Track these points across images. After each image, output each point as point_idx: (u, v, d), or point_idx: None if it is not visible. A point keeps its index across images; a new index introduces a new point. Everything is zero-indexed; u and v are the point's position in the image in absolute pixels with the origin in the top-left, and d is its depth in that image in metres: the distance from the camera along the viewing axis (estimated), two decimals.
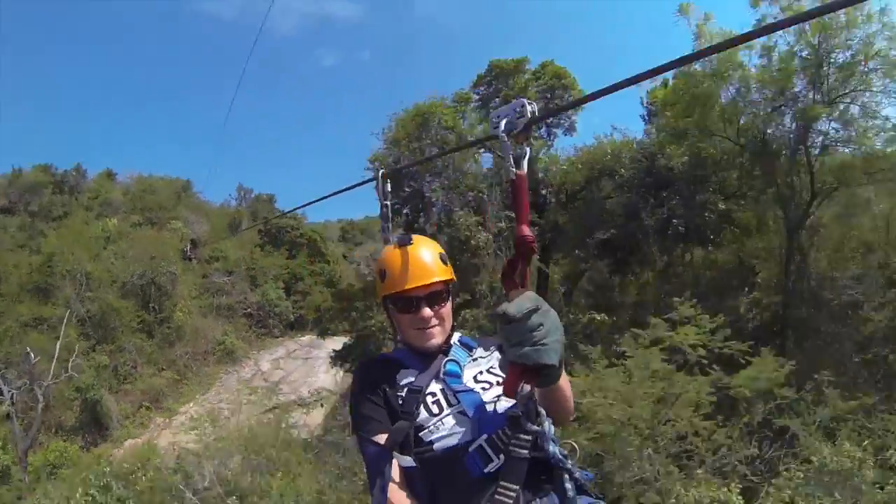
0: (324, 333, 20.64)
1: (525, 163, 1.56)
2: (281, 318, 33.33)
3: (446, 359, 1.89)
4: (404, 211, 18.82)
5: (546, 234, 18.07)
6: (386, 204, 2.49)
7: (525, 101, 1.54)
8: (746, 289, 14.82)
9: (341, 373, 19.09)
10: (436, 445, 1.70)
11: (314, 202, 28.39)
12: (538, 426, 1.57)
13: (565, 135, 20.24)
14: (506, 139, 1.56)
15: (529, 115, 1.53)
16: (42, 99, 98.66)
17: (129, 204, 36.35)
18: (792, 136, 13.91)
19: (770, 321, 13.72)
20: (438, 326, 1.91)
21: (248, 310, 31.70)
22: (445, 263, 1.93)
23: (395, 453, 1.69)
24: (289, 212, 40.67)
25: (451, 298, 1.94)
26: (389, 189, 2.48)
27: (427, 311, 1.87)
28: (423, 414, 1.75)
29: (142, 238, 29.37)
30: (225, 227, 40.25)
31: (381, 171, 2.52)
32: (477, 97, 20.28)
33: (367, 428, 1.76)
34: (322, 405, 20.94)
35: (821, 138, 14.05)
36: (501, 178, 17.61)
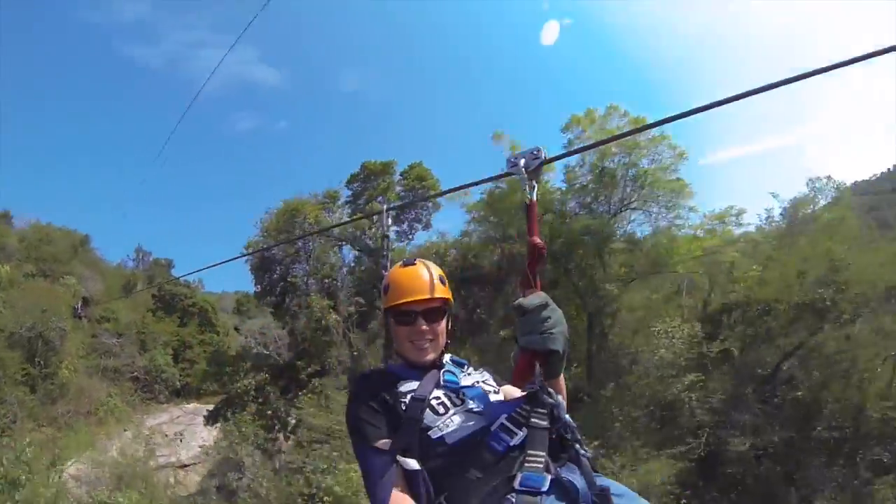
0: (197, 393, 22.68)
1: (535, 194, 2.02)
2: (167, 384, 33.93)
3: (444, 369, 2.01)
4: (276, 291, 22.17)
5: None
6: (387, 235, 3.11)
7: (540, 147, 2.02)
8: None
9: (214, 432, 20.85)
10: (448, 440, 1.78)
11: (211, 266, 31.23)
12: (552, 399, 1.74)
13: (424, 230, 24.22)
14: (524, 174, 2.01)
15: (544, 157, 2.03)
16: None
17: (23, 252, 36.24)
18: (588, 237, 17.89)
19: (574, 391, 17.53)
20: (433, 342, 2.06)
21: (136, 373, 32.28)
22: (444, 284, 2.09)
23: (399, 457, 1.76)
24: (188, 274, 41.68)
25: (447, 318, 2.09)
26: (390, 223, 3.49)
27: (423, 325, 2.02)
28: (429, 416, 1.84)
29: (34, 289, 29.47)
30: (119, 287, 40.61)
31: (384, 206, 3.56)
32: (349, 194, 23.84)
33: (366, 434, 1.84)
34: (198, 465, 22.49)
35: (618, 236, 18.40)
36: (356, 268, 21.45)
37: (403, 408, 1.87)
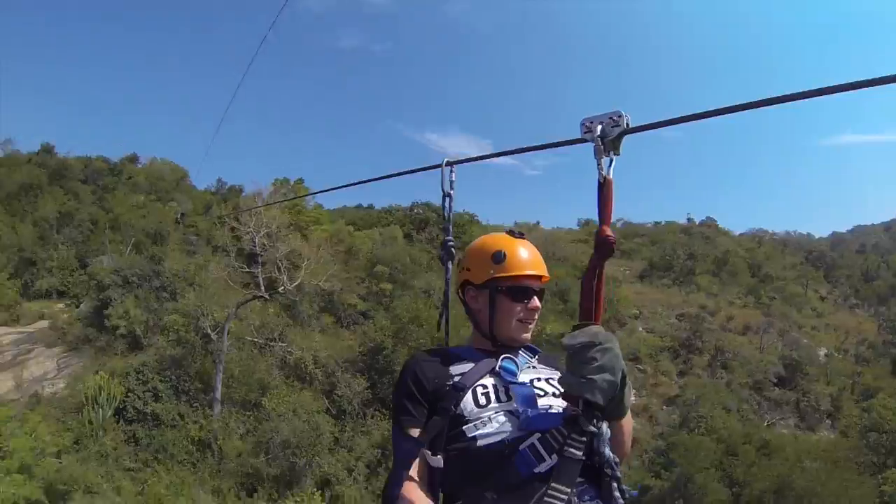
0: None
1: (612, 170, 1.85)
2: None
3: (504, 355, 2.09)
4: None
5: None
6: (449, 194, 2.73)
7: (623, 111, 1.86)
8: None
9: None
10: (479, 441, 1.88)
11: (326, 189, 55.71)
12: (596, 427, 1.70)
13: None
14: (600, 143, 1.84)
15: (625, 125, 1.84)
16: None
17: (146, 184, 67.09)
18: None
19: None
20: (535, 322, 2.22)
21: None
22: None
23: (425, 451, 1.91)
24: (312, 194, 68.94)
25: None
26: (454, 178, 2.70)
27: (538, 303, 2.17)
28: (470, 405, 1.94)
29: (154, 208, 59.69)
30: (202, 206, 70.92)
31: (444, 160, 2.73)
32: None
33: (400, 420, 2.00)
34: None
35: None
36: None
37: (443, 395, 1.98)
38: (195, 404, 25.80)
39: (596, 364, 1.64)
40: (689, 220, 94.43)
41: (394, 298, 36.41)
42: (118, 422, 23.49)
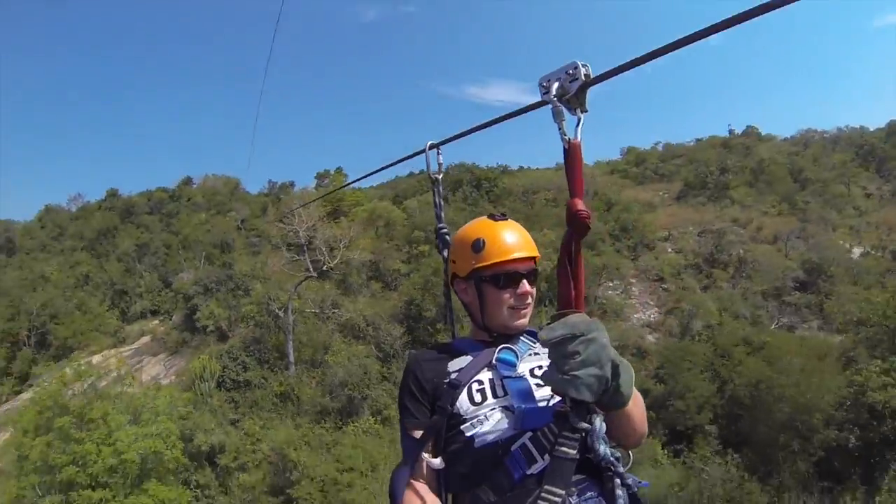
0: None
1: (580, 130, 1.68)
2: None
3: (502, 346, 2.06)
4: None
5: None
6: (436, 178, 2.69)
7: (578, 62, 1.67)
8: None
9: None
10: (476, 441, 1.87)
11: (349, 184, 62.92)
12: (588, 423, 1.65)
13: None
14: (558, 104, 1.67)
15: (583, 77, 1.66)
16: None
17: (204, 201, 75.31)
18: None
19: None
20: (530, 307, 2.14)
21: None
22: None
23: (424, 454, 1.92)
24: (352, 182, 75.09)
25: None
26: (441, 161, 2.70)
27: (528, 287, 2.10)
28: (466, 403, 1.94)
29: (214, 220, 67.36)
30: (259, 208, 78.77)
31: (427, 143, 2.69)
32: None
33: (406, 421, 2.02)
34: None
35: None
36: None
37: (440, 393, 1.98)
38: (275, 369, 33.29)
39: (578, 358, 1.55)
40: (729, 132, 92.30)
41: (428, 257, 42.09)
42: (219, 390, 31.30)
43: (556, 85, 1.69)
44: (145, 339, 45.24)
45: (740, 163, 71.09)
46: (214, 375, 30.99)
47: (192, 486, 24.47)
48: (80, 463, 20.40)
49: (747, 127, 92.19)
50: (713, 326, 33.76)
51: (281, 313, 34.98)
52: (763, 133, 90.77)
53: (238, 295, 40.96)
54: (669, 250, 50.38)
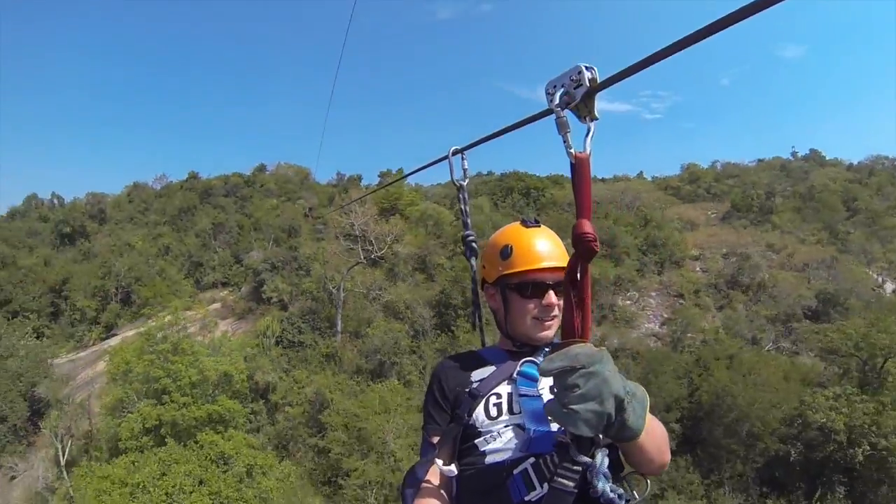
0: None
1: (589, 142, 1.53)
2: None
3: (526, 359, 2.07)
4: None
5: None
6: (461, 184, 2.66)
7: (582, 66, 1.57)
8: None
9: None
10: (487, 458, 1.93)
11: (392, 182, 68.80)
12: (589, 457, 1.61)
13: None
14: (561, 113, 1.56)
15: (588, 83, 1.57)
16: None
17: (276, 188, 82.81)
18: None
19: None
20: (557, 318, 2.11)
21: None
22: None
23: (437, 460, 1.97)
24: (404, 177, 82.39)
25: None
26: (467, 167, 2.68)
27: (554, 298, 2.08)
28: (482, 416, 1.98)
29: (285, 207, 74.73)
30: (326, 198, 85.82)
31: (451, 149, 2.69)
32: None
33: (427, 427, 2.11)
34: None
35: None
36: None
37: (461, 402, 2.02)
38: (324, 335, 40.71)
39: (578, 392, 1.48)
40: (792, 154, 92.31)
41: None
42: (277, 346, 38.89)
43: (559, 93, 1.60)
44: (216, 305, 52.70)
45: (792, 187, 72.14)
46: (275, 334, 38.66)
47: (249, 410, 31.75)
48: (172, 377, 28.00)
49: (810, 150, 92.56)
50: (708, 341, 37.35)
51: (334, 291, 42.07)
52: (828, 157, 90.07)
53: (300, 274, 48.02)
54: (697, 269, 53.03)
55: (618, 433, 1.57)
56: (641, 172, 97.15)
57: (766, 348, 38.62)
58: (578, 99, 1.56)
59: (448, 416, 2.06)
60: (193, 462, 24.22)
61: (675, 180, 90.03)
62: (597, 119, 1.59)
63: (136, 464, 24.26)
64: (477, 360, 2.17)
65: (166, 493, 22.25)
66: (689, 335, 39.97)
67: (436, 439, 2.02)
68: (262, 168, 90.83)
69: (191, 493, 22.66)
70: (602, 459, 1.60)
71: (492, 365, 2.11)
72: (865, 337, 29.75)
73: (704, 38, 1.35)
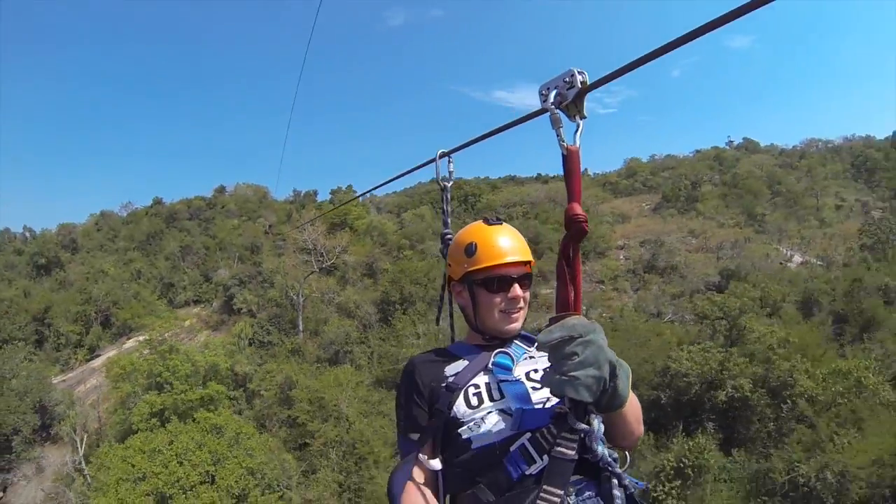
0: None
1: (578, 137, 1.77)
2: None
3: (498, 350, 2.16)
4: None
5: None
6: (446, 186, 2.80)
7: (574, 70, 1.77)
8: None
9: None
10: (473, 444, 1.97)
11: (364, 193, 78.04)
12: (587, 424, 1.71)
13: None
14: (556, 111, 1.77)
15: (579, 84, 1.77)
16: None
17: (236, 209, 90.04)
18: None
19: None
20: (523, 311, 2.24)
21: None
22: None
23: (420, 456, 2.01)
24: (364, 193, 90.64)
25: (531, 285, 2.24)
26: (452, 169, 2.86)
27: (519, 291, 2.20)
28: (462, 407, 2.02)
29: (245, 227, 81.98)
30: (285, 215, 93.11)
31: (438, 151, 2.84)
32: None
33: (403, 425, 2.14)
34: None
35: None
36: None
37: (438, 397, 2.07)
38: (289, 334, 49.53)
39: (577, 359, 1.61)
40: (728, 143, 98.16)
41: (404, 260, 57.77)
42: (250, 346, 47.76)
43: (553, 93, 1.79)
44: (191, 320, 59.99)
45: (720, 176, 78.23)
46: (248, 336, 47.50)
47: (229, 396, 39.63)
48: (171, 371, 36.30)
49: (744, 139, 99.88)
50: (614, 318, 43.51)
51: (295, 298, 50.65)
52: (763, 144, 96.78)
53: (265, 286, 56.15)
54: (621, 257, 58.80)
55: (610, 400, 1.70)
56: (587, 170, 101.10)
57: (666, 319, 43.23)
58: (570, 99, 1.77)
59: (425, 412, 2.10)
60: (194, 432, 31.54)
61: (614, 176, 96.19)
62: (585, 117, 1.82)
63: (148, 438, 31.67)
64: (447, 356, 2.25)
65: (175, 454, 29.58)
66: (599, 312, 45.91)
67: (415, 436, 2.07)
68: (221, 189, 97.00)
69: (195, 452, 30.09)
70: (598, 426, 1.72)
71: (463, 360, 2.19)
72: (724, 302, 35.19)
73: (704, 34, 1.51)
